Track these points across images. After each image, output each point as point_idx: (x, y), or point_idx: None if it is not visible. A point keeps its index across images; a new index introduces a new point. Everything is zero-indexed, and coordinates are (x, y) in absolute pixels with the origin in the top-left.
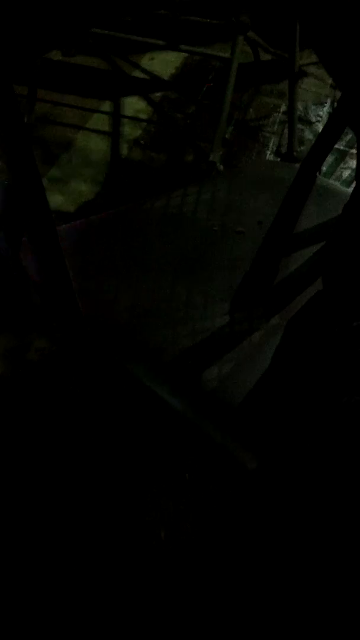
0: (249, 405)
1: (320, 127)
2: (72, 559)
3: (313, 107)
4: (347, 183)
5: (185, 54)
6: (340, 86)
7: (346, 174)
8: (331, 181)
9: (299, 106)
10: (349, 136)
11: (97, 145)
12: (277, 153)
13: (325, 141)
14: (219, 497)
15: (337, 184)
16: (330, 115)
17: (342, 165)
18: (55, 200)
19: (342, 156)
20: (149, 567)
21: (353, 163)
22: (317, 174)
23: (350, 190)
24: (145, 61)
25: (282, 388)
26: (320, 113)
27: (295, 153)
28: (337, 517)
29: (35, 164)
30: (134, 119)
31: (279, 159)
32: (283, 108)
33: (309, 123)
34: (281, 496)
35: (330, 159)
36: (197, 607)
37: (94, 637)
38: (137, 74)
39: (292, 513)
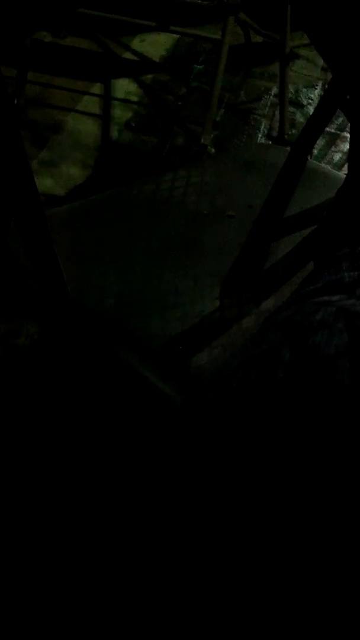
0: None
1: (311, 110)
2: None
3: (304, 89)
4: (338, 166)
5: (176, 36)
6: (332, 67)
7: (337, 157)
8: (322, 164)
9: (290, 89)
10: (340, 119)
11: (88, 128)
12: (268, 136)
13: (316, 124)
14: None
15: (328, 167)
16: (321, 98)
17: (333, 148)
18: (45, 183)
19: (333, 139)
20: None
21: (344, 146)
22: (308, 157)
23: (341, 173)
24: (136, 43)
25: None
26: (312, 96)
27: (286, 136)
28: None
29: (23, 147)
30: (125, 101)
31: (270, 142)
32: (274, 91)
33: (300, 106)
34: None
35: (321, 142)
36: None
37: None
38: (128, 55)
39: None
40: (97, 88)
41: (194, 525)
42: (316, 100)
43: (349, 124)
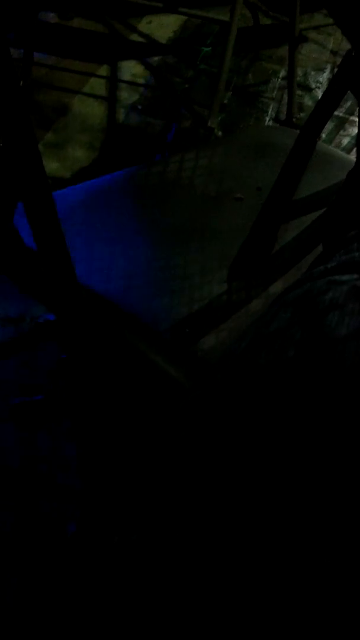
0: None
1: (320, 94)
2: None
3: (313, 73)
4: (347, 150)
5: (184, 17)
6: (353, 42)
7: (345, 141)
8: (331, 147)
9: (299, 72)
10: (349, 103)
11: (94, 110)
12: (276, 119)
13: (325, 107)
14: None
15: (338, 150)
16: (331, 81)
17: (341, 132)
18: (51, 166)
19: (341, 123)
20: None
21: (352, 130)
22: (317, 140)
23: (350, 156)
24: (143, 24)
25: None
26: (320, 79)
27: (294, 119)
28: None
29: (32, 128)
30: (131, 84)
31: (278, 125)
32: (282, 74)
33: (309, 89)
34: None
35: (329, 125)
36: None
37: None
38: (135, 37)
39: None
40: (103, 70)
41: (197, 516)
42: (325, 84)
43: (359, 108)
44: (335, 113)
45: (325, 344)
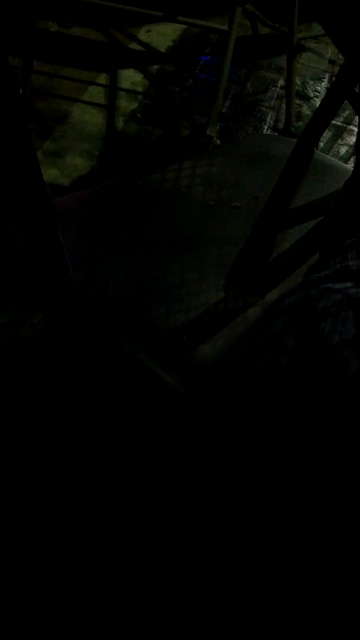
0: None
1: (317, 103)
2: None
3: (311, 82)
4: (344, 159)
5: (183, 26)
6: (346, 55)
7: (343, 150)
8: (328, 156)
9: (297, 81)
10: (347, 112)
11: (93, 118)
12: (274, 128)
13: (323, 116)
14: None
15: (335, 159)
16: (328, 90)
17: (339, 141)
18: (50, 173)
19: (339, 132)
20: None
21: (350, 139)
22: (314, 149)
23: (347, 166)
24: (142, 33)
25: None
26: (318, 88)
27: (292, 128)
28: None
29: (30, 136)
30: (131, 92)
31: (276, 134)
32: (281, 83)
33: (307, 98)
34: None
35: (327, 134)
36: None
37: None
38: (134, 46)
39: None
40: (103, 78)
41: (195, 519)
42: (323, 93)
43: (356, 117)
44: (333, 122)
45: (318, 352)
